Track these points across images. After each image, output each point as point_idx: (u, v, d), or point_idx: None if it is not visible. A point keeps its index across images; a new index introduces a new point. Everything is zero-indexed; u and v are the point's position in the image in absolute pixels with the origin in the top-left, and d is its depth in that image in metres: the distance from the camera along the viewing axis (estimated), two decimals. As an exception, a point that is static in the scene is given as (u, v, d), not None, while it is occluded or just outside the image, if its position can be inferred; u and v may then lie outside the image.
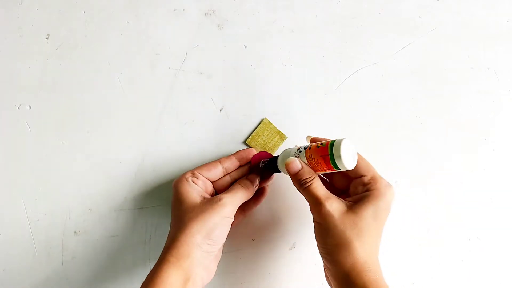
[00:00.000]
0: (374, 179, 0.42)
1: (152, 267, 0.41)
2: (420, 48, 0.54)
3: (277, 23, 0.54)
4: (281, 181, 0.51)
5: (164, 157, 0.52)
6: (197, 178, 0.46)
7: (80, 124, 0.52)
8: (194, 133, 0.52)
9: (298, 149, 0.44)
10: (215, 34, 0.54)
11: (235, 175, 0.48)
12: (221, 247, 0.46)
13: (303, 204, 0.51)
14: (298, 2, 0.54)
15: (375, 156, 0.44)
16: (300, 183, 0.42)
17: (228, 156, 0.48)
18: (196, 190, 0.45)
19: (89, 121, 0.52)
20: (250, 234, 0.51)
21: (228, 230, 0.44)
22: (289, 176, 0.44)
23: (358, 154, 0.43)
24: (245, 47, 0.54)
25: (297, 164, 0.43)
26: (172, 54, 0.53)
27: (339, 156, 0.39)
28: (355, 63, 0.54)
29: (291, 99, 0.53)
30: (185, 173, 0.46)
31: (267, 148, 0.52)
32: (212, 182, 0.47)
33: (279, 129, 0.52)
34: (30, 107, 0.52)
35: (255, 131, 0.52)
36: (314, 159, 0.42)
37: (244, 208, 0.48)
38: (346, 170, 0.41)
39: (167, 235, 0.44)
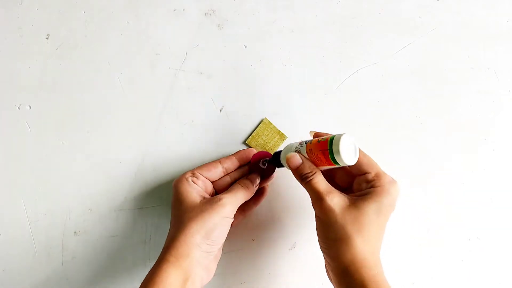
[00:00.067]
0: (378, 175, 0.41)
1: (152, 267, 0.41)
2: (420, 48, 0.54)
3: (277, 23, 0.54)
4: (281, 181, 0.51)
5: (164, 157, 0.52)
6: (197, 178, 0.46)
7: (80, 124, 0.52)
8: (194, 133, 0.52)
9: (299, 144, 0.43)
10: (215, 34, 0.54)
11: (235, 175, 0.48)
12: (221, 247, 0.46)
13: (303, 204, 0.51)
14: (298, 2, 0.54)
15: (375, 156, 0.43)
16: (302, 177, 0.42)
17: (228, 156, 0.48)
18: (196, 190, 0.45)
19: (89, 121, 0.52)
20: (250, 234, 0.51)
21: (228, 230, 0.44)
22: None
23: (360, 151, 0.42)
24: (245, 47, 0.54)
25: (297, 158, 0.42)
26: (172, 54, 0.53)
27: (338, 151, 0.38)
28: (355, 63, 0.54)
29: (291, 99, 0.53)
30: (185, 173, 0.46)
31: (267, 148, 0.52)
32: (212, 182, 0.47)
33: (279, 129, 0.52)
34: (30, 107, 0.52)
35: (255, 131, 0.52)
36: (314, 153, 0.41)
37: (244, 208, 0.48)
38: (347, 166, 0.40)
39: (166, 235, 0.44)
